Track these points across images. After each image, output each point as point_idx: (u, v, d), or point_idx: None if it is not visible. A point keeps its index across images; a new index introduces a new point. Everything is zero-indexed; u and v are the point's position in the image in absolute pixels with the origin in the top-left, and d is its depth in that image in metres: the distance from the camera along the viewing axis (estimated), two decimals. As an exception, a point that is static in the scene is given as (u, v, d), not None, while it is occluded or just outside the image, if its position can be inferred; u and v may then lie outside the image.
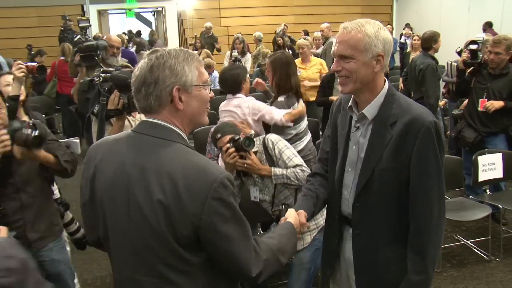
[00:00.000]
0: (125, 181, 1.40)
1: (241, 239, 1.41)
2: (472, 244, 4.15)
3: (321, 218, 2.72)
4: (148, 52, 1.48)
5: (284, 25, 11.21)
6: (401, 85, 6.46)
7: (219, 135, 2.72)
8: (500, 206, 4.02)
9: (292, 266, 2.80)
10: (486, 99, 4.27)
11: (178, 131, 1.46)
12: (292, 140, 3.53)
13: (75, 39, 3.55)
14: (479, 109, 4.30)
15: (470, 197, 4.31)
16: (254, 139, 2.65)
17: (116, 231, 1.46)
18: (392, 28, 11.75)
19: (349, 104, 1.89)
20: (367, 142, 1.82)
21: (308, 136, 3.77)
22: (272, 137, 2.77)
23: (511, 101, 4.20)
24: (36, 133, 2.05)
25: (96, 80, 2.09)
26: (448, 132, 5.80)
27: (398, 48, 11.08)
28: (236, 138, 2.61)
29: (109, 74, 2.08)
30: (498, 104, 4.19)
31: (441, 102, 6.29)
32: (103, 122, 2.08)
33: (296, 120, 3.61)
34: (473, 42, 4.52)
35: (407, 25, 12.18)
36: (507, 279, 3.68)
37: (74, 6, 12.39)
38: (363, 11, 14.23)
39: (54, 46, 10.42)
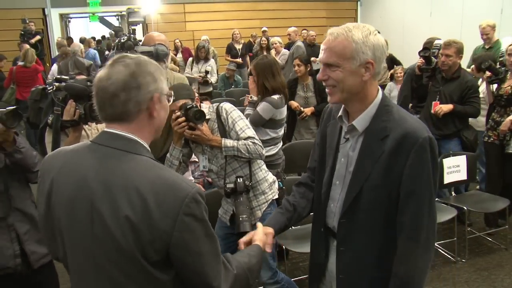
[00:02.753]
0: (88, 197, 1.31)
1: (210, 255, 1.37)
2: (438, 246, 4.19)
3: (270, 192, 2.72)
4: (117, 57, 1.40)
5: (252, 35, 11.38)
6: None
7: (173, 98, 2.69)
8: (465, 208, 4.07)
9: None
10: (439, 102, 4.37)
11: (142, 142, 1.39)
12: (268, 143, 3.55)
13: (122, 40, 2.91)
14: (432, 111, 4.39)
15: (436, 199, 4.34)
16: (208, 107, 2.60)
17: (76, 248, 1.37)
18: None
19: (340, 113, 1.77)
20: (356, 156, 1.70)
21: (281, 143, 3.86)
22: (226, 106, 2.67)
23: (461, 104, 4.30)
24: None
25: (49, 89, 1.98)
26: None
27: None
28: (188, 106, 2.50)
29: (63, 83, 1.97)
30: (446, 107, 4.27)
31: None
32: (58, 133, 1.96)
33: (277, 126, 3.70)
34: (425, 49, 4.62)
35: (372, 29, 12.35)
36: (472, 279, 3.74)
37: (35, 9, 12.05)
38: (328, 15, 14.41)
39: (14, 50, 10.08)
